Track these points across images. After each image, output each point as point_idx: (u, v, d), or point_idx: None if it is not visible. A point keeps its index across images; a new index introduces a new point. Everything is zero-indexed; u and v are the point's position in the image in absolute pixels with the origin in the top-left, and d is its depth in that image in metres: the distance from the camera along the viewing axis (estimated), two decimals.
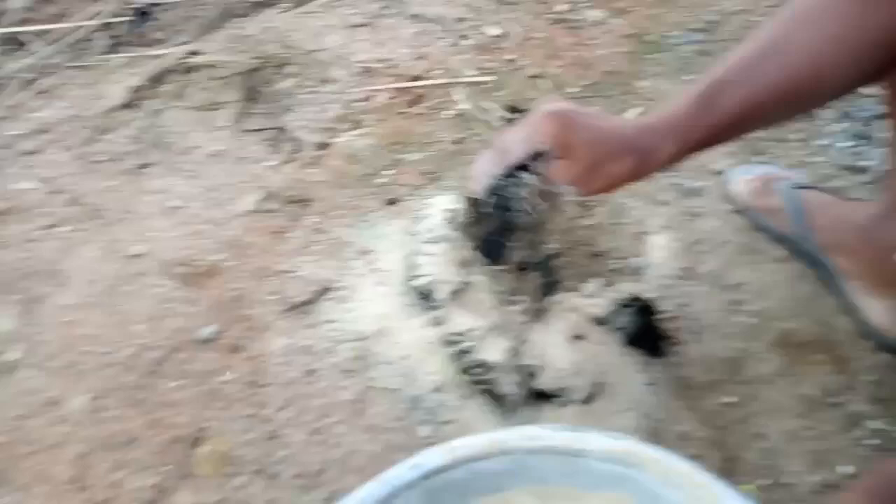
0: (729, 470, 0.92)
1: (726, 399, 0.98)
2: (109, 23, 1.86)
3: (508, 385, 0.91)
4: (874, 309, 1.01)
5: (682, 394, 0.98)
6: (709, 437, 0.95)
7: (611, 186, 0.74)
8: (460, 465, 0.63)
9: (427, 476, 0.62)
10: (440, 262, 0.99)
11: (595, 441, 0.63)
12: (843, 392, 0.99)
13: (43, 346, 1.01)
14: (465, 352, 0.93)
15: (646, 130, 0.73)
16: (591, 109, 0.76)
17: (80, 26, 1.83)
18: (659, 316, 1.01)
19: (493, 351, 0.91)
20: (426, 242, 1.02)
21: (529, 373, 0.91)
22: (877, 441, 0.95)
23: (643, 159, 0.72)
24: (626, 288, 1.03)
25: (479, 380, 0.92)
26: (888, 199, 0.96)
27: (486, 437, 0.65)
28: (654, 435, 0.94)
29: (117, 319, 1.03)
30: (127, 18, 1.90)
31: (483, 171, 0.76)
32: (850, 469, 0.93)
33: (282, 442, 0.92)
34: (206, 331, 1.01)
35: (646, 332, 0.99)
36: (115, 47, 1.85)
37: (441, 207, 1.05)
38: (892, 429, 0.96)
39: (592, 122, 0.72)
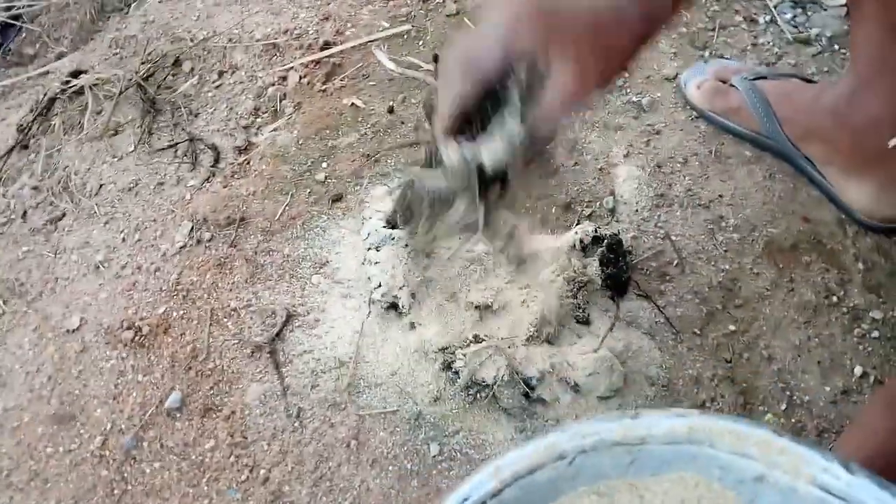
0: (745, 403, 0.89)
1: (728, 328, 0.94)
2: None
3: (508, 399, 0.84)
4: (854, 192, 0.97)
5: (682, 335, 0.92)
6: (719, 374, 0.90)
7: (621, 66, 0.56)
8: (511, 483, 0.57)
9: None
10: (389, 269, 0.89)
11: (656, 425, 0.56)
12: (839, 288, 0.96)
13: None
14: (456, 372, 0.85)
15: None
16: None
17: None
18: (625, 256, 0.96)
19: (488, 370, 0.83)
20: (369, 250, 0.93)
21: (529, 385, 0.84)
22: (876, 333, 0.92)
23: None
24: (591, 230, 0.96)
25: (477, 396, 0.85)
26: (854, 75, 0.90)
27: (534, 447, 0.57)
28: (668, 386, 0.89)
29: (73, 409, 0.93)
30: None
31: (451, 99, 0.56)
32: (859, 370, 0.90)
33: (286, 501, 0.85)
34: (172, 398, 0.92)
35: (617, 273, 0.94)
36: None
37: (376, 207, 0.96)
38: (890, 316, 0.94)
39: None
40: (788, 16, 1.24)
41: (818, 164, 0.99)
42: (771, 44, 1.20)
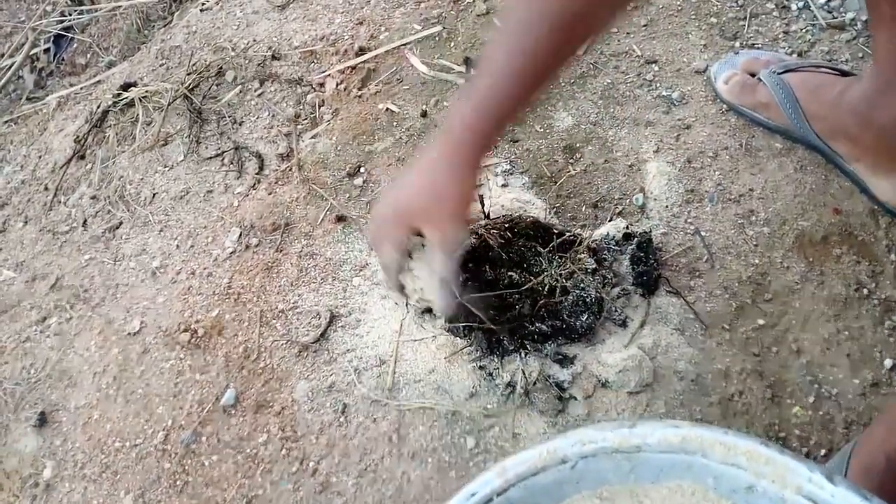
0: (773, 396, 0.91)
1: (757, 322, 0.95)
2: (30, 56, 1.76)
3: (542, 401, 0.88)
4: (882, 187, 0.98)
5: (712, 330, 0.95)
6: (748, 368, 0.92)
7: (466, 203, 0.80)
8: (516, 483, 0.61)
9: (486, 502, 0.61)
10: (425, 275, 0.94)
11: (651, 434, 0.60)
12: (870, 280, 0.96)
13: (72, 455, 0.99)
14: (490, 373, 0.89)
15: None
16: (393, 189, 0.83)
17: (4, 66, 1.72)
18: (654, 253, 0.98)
19: (521, 370, 0.87)
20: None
21: (561, 387, 0.88)
22: None
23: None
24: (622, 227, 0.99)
25: (511, 395, 0.89)
26: (877, 75, 0.91)
27: (539, 450, 0.62)
28: (696, 381, 0.92)
29: (137, 407, 1.01)
30: (45, 47, 1.79)
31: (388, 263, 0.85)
32: (889, 362, 0.91)
33: (334, 491, 0.91)
34: (227, 396, 0.98)
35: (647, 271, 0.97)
36: (42, 82, 1.75)
37: None
38: None
39: (405, 194, 0.79)
40: (822, 1, 1.23)
41: (846, 160, 1.00)
42: (804, 31, 1.19)
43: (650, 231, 1.00)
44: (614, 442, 0.61)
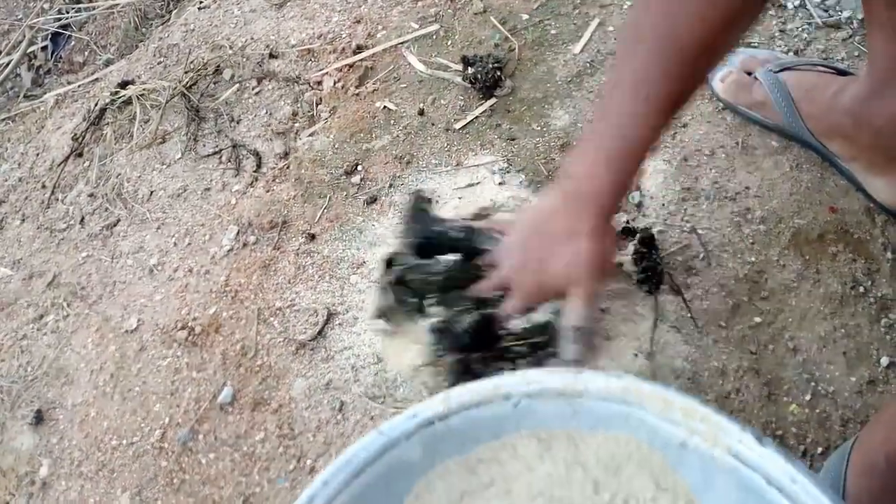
0: (770, 394, 0.91)
1: (753, 320, 0.96)
2: (27, 53, 1.76)
3: None
4: (877, 186, 0.98)
5: (708, 328, 0.95)
6: (744, 366, 0.93)
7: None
8: (458, 412, 0.62)
9: (424, 424, 0.62)
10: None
11: (594, 381, 0.61)
12: (866, 278, 0.96)
13: (69, 453, 0.99)
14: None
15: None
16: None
17: (2, 64, 1.72)
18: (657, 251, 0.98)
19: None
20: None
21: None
22: None
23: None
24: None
25: None
26: (872, 76, 0.90)
27: (484, 383, 0.63)
28: (693, 378, 0.92)
29: (134, 404, 1.01)
30: (42, 45, 1.79)
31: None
32: (886, 360, 0.91)
33: None
34: (224, 393, 0.98)
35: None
36: (40, 80, 1.75)
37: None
38: None
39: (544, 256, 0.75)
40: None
41: (842, 160, 1.00)
42: (800, 29, 1.20)
43: (650, 227, 1.00)
44: (558, 385, 0.62)
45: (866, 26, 0.87)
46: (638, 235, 0.97)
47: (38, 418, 1.02)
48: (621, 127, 0.67)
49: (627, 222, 0.99)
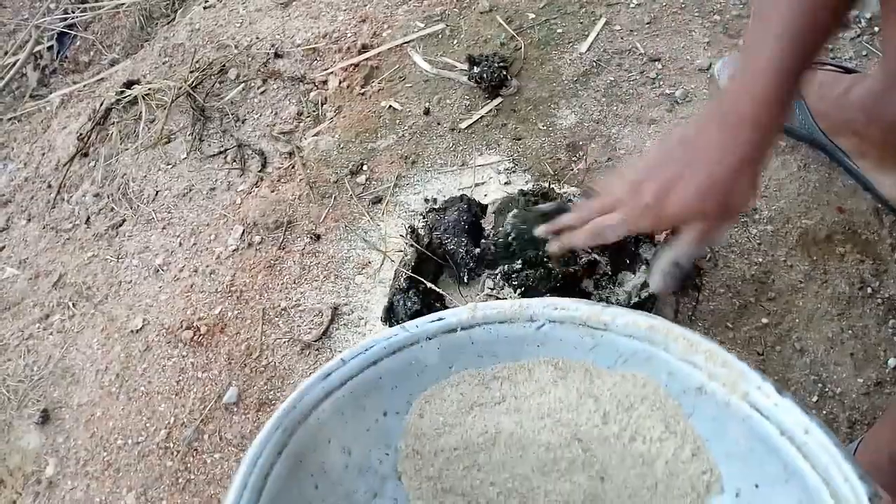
0: None
1: (760, 321, 0.95)
2: (33, 53, 1.76)
3: None
4: (887, 184, 0.98)
5: (715, 329, 0.94)
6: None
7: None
8: (482, 324, 0.64)
9: (447, 330, 0.63)
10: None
11: (622, 316, 0.61)
12: (874, 279, 0.96)
13: (74, 453, 0.99)
14: None
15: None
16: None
17: (8, 63, 1.73)
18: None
19: None
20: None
21: None
22: None
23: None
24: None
25: None
26: (886, 70, 0.90)
27: (511, 303, 0.64)
28: None
29: (140, 404, 1.01)
30: (48, 45, 1.79)
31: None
32: (893, 361, 0.91)
33: None
34: (229, 393, 0.98)
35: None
36: (46, 79, 1.75)
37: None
38: None
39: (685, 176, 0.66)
40: None
41: (852, 157, 1.00)
42: None
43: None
44: (584, 314, 0.62)
45: (882, 19, 0.86)
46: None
47: (45, 418, 1.02)
48: (780, 38, 0.61)
49: None
